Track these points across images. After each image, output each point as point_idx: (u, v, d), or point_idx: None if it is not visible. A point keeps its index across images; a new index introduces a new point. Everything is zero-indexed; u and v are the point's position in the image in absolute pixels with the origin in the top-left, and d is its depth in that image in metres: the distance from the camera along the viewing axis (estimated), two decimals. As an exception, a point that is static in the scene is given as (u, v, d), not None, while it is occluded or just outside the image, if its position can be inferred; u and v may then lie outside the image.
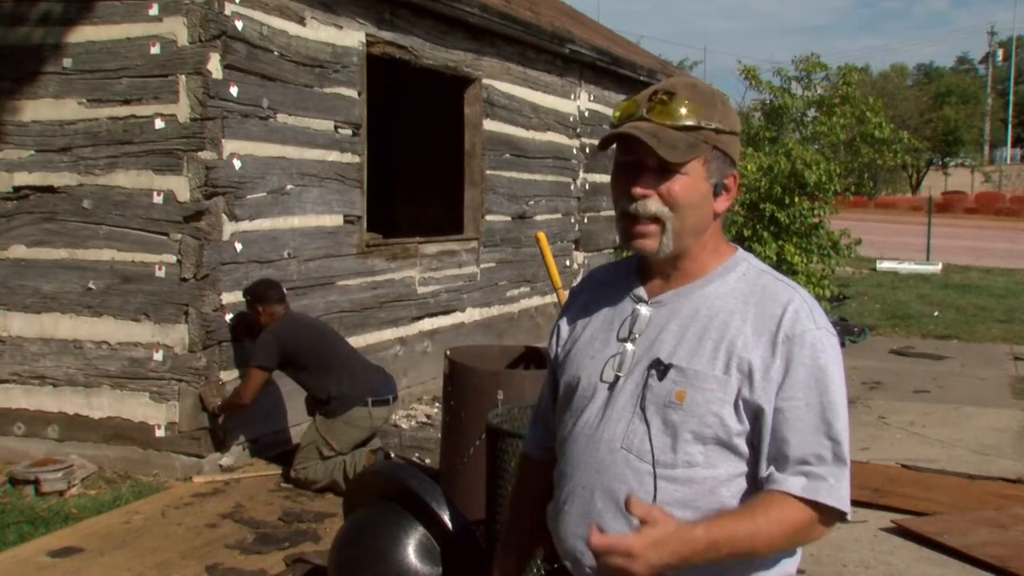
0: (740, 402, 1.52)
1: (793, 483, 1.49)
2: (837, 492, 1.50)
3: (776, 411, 1.50)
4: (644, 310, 1.63)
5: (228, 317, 5.38)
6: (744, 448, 1.53)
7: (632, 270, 1.69)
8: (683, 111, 1.54)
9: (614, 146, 1.61)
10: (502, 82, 8.33)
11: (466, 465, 4.12)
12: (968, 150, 56.07)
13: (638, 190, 1.55)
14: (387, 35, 6.76)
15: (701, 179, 1.56)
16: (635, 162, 1.56)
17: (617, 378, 1.61)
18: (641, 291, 1.65)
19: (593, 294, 1.75)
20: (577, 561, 1.64)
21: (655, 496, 1.52)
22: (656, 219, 1.55)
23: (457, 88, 8.08)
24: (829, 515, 1.51)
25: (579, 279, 8.73)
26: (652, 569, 1.42)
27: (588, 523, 1.55)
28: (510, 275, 8.68)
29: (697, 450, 1.52)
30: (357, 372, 5.15)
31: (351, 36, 6.39)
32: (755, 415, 1.51)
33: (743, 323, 1.54)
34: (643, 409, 1.56)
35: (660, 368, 1.56)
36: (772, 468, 1.51)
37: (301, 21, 5.91)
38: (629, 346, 1.61)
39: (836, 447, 1.50)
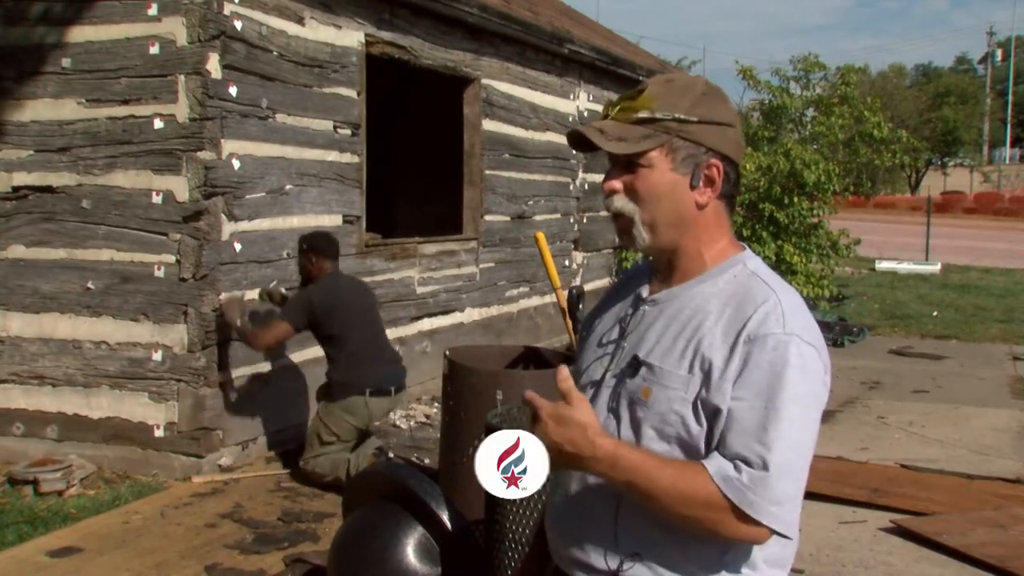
0: (699, 402, 1.50)
1: (712, 460, 1.46)
2: (745, 494, 1.43)
3: (727, 411, 1.48)
4: (640, 309, 1.64)
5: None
6: (703, 449, 1.51)
7: (647, 269, 1.72)
8: (640, 104, 1.56)
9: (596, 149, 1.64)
10: (501, 82, 8.33)
11: (465, 465, 4.11)
12: (967, 150, 56.08)
13: (607, 185, 1.60)
14: (386, 35, 6.76)
15: (665, 170, 1.56)
16: (610, 160, 1.60)
17: (605, 375, 1.63)
18: (643, 290, 1.66)
19: (613, 292, 1.78)
20: (556, 553, 1.66)
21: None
22: (623, 214, 1.59)
23: (456, 88, 8.08)
24: (743, 516, 1.44)
25: (582, 272, 8.68)
26: (548, 440, 1.45)
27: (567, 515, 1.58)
28: (509, 275, 8.67)
29: (662, 448, 1.51)
30: (365, 361, 5.12)
31: (350, 36, 6.39)
32: (712, 415, 1.49)
33: (715, 323, 1.53)
34: (616, 405, 1.58)
35: (635, 365, 1.57)
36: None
37: (300, 21, 5.91)
38: (622, 344, 1.63)
39: (766, 452, 1.43)
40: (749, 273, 1.59)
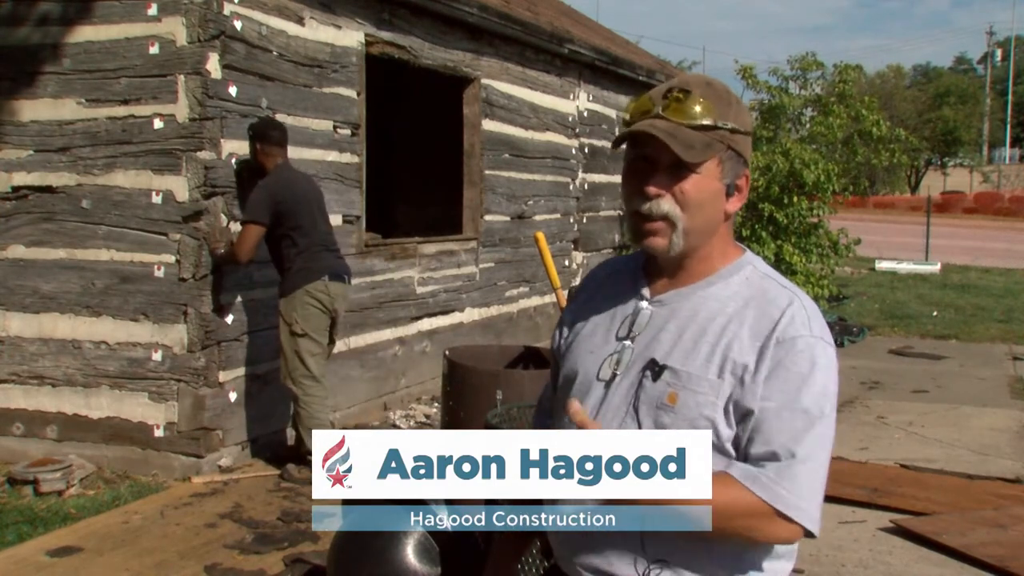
0: (731, 406, 1.51)
1: (737, 467, 1.48)
2: (775, 490, 1.45)
3: (757, 412, 1.49)
4: (645, 309, 1.62)
5: (227, 318, 5.37)
6: (732, 452, 1.52)
7: (639, 265, 1.69)
8: (699, 110, 1.53)
9: (623, 145, 1.60)
10: (501, 82, 8.33)
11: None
12: (967, 150, 56.10)
13: (652, 189, 1.54)
14: (386, 35, 6.76)
15: (714, 179, 1.56)
16: (648, 160, 1.55)
17: (614, 376, 1.60)
18: (644, 289, 1.65)
19: (599, 287, 1.74)
20: (565, 559, 1.65)
21: None
22: (666, 218, 1.55)
23: (456, 88, 8.08)
24: (778, 517, 1.46)
25: (582, 272, 8.72)
26: None
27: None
28: (509, 275, 8.68)
29: None
30: (322, 252, 5.29)
31: (350, 36, 6.39)
32: (743, 417, 1.50)
33: (740, 326, 1.53)
34: (636, 409, 1.56)
35: (655, 369, 1.56)
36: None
37: (300, 21, 5.91)
38: (628, 344, 1.61)
39: (794, 446, 1.47)
40: (761, 275, 1.61)
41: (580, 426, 1.43)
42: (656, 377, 1.55)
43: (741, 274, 1.60)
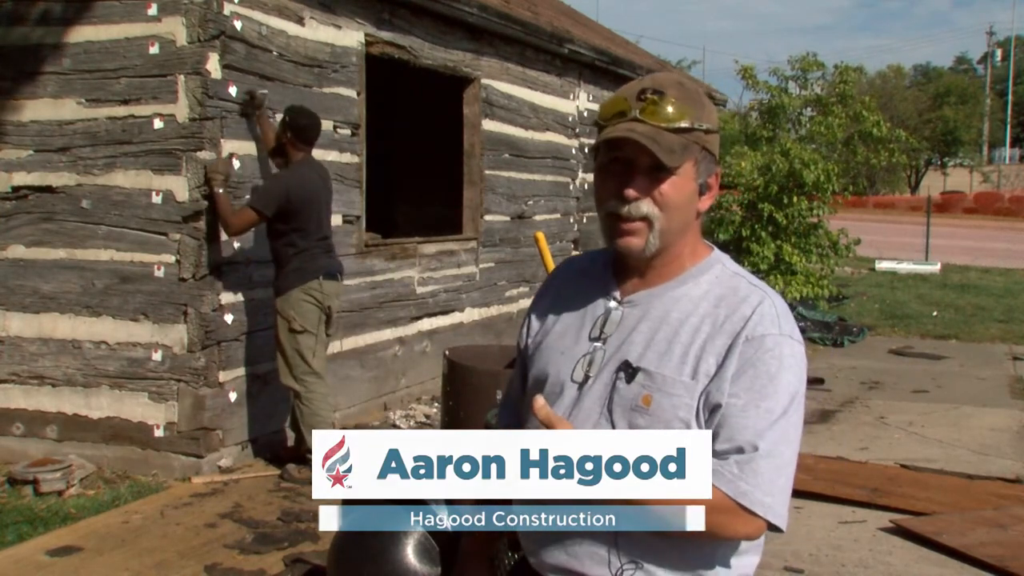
0: (701, 404, 1.52)
1: None
2: (737, 484, 1.46)
3: (723, 408, 1.50)
4: (616, 309, 1.62)
5: (227, 318, 5.37)
6: None
7: (608, 264, 1.68)
8: (675, 112, 1.53)
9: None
10: (501, 82, 8.33)
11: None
12: (967, 150, 56.11)
13: (632, 192, 1.54)
14: (386, 35, 6.76)
15: (690, 179, 1.57)
16: (625, 162, 1.55)
17: (587, 378, 1.60)
18: (614, 289, 1.64)
19: (567, 286, 1.74)
20: (534, 555, 1.65)
21: None
22: (645, 219, 1.55)
23: (456, 88, 8.08)
24: (741, 513, 1.47)
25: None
26: None
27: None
28: (509, 275, 8.68)
29: None
30: (319, 254, 5.33)
31: (350, 36, 6.39)
32: (711, 413, 1.51)
33: (712, 326, 1.54)
34: (610, 412, 1.56)
35: (628, 371, 1.56)
36: None
37: (300, 21, 5.91)
38: (599, 345, 1.61)
39: (757, 440, 1.48)
40: (731, 274, 1.62)
41: (545, 421, 1.43)
42: (630, 379, 1.55)
43: (711, 272, 1.61)
